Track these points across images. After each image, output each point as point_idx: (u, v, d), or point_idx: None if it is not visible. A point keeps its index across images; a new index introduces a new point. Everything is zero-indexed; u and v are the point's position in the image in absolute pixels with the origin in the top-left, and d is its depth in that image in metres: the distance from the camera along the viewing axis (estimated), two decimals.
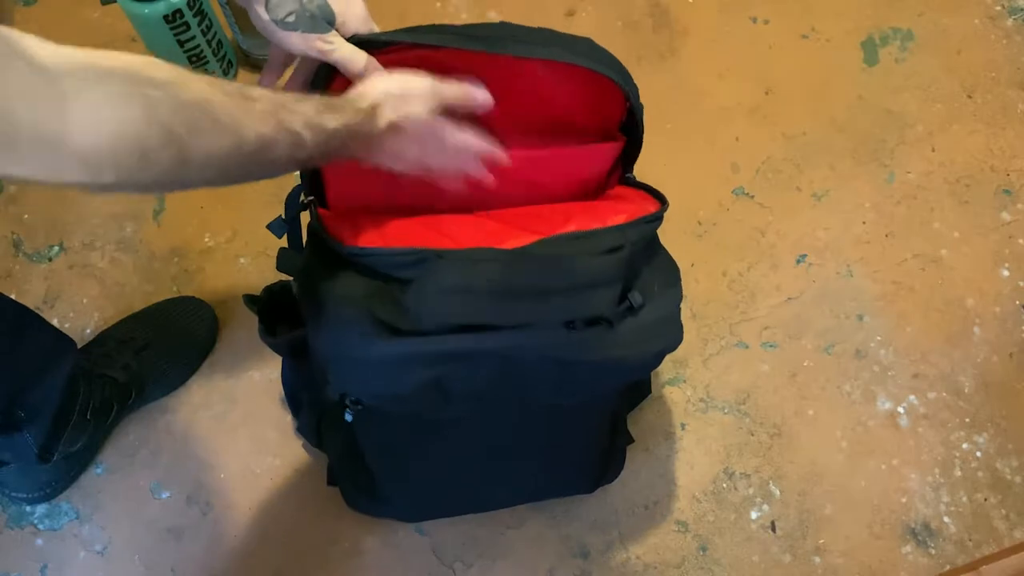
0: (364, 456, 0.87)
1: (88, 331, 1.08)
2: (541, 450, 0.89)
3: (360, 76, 0.65)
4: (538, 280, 0.66)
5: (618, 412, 0.95)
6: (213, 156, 0.48)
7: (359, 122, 0.59)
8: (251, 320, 1.09)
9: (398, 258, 0.65)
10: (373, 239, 0.68)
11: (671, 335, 0.72)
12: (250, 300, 0.82)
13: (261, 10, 0.63)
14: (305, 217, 0.74)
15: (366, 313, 0.65)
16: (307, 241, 0.74)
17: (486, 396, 0.72)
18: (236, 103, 0.50)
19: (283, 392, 1.02)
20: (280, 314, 0.81)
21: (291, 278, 0.77)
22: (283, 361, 0.99)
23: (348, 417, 0.74)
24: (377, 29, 0.69)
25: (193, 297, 1.08)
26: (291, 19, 0.63)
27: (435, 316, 0.64)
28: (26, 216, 1.15)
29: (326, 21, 0.64)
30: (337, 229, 0.68)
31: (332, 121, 0.56)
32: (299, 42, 0.64)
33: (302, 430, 1.00)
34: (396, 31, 0.68)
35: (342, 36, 0.65)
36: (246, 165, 0.51)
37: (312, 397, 0.94)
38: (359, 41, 0.66)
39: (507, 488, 0.95)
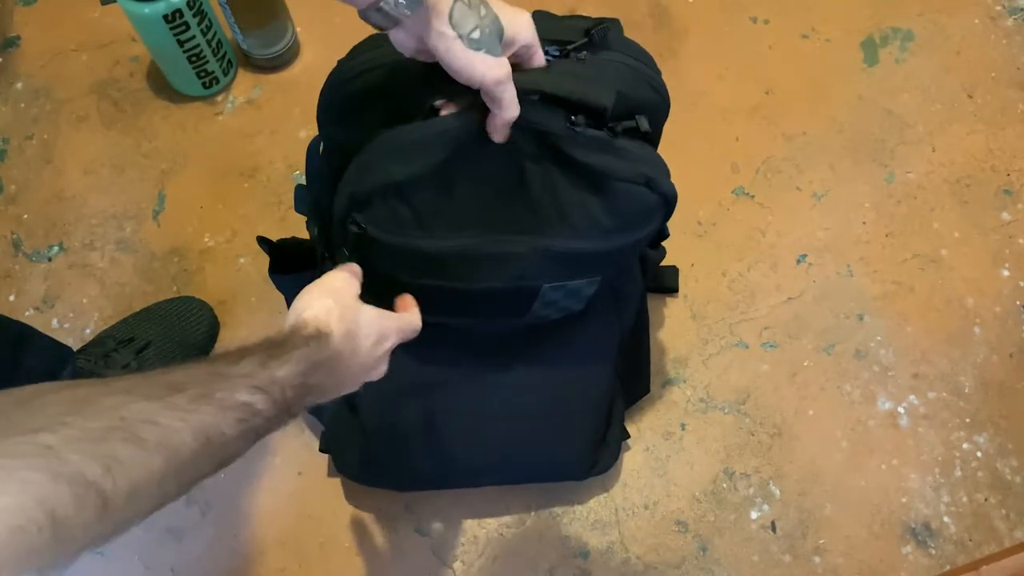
0: (358, 414, 0.88)
1: (88, 331, 1.08)
2: (535, 421, 0.89)
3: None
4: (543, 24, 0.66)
5: (614, 400, 0.96)
6: (143, 484, 0.38)
7: (312, 349, 0.52)
8: (251, 320, 1.09)
9: None
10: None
11: (664, 177, 0.72)
12: (263, 240, 0.84)
13: (445, 27, 0.56)
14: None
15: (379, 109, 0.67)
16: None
17: (488, 219, 0.69)
18: (159, 407, 0.41)
19: None
20: (291, 260, 0.83)
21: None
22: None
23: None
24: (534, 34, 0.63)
25: (193, 297, 1.08)
26: (476, 35, 0.56)
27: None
28: (26, 216, 1.15)
29: (497, 38, 0.59)
30: None
31: (281, 368, 0.49)
32: (482, 70, 0.57)
33: None
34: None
35: (511, 52, 0.61)
36: (192, 470, 0.42)
37: None
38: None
39: (498, 463, 0.93)
